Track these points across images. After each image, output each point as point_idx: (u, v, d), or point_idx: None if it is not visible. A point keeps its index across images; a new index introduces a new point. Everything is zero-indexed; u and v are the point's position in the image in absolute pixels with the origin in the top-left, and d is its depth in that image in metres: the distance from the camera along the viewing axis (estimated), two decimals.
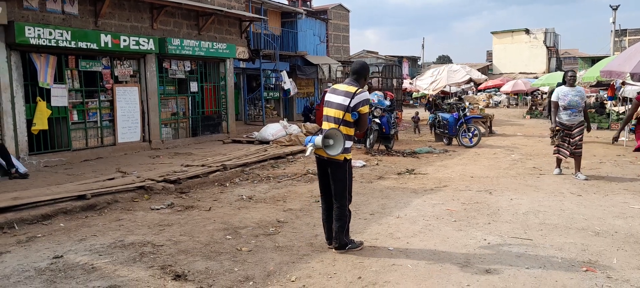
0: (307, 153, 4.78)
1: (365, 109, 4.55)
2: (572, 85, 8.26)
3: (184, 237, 5.24)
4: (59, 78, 10.34)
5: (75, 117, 10.87)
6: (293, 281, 4.02)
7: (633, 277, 3.99)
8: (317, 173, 4.86)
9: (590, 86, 22.15)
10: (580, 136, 8.21)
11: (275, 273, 4.17)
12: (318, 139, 4.48)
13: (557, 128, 8.32)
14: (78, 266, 4.39)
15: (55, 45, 9.80)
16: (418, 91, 26.21)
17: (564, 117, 8.23)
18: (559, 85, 12.61)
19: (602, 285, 3.84)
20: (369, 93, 13.43)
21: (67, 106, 10.49)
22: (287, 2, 26.73)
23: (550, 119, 8.79)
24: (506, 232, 5.26)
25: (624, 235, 5.09)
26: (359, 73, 4.68)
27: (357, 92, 4.50)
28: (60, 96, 10.26)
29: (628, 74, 9.40)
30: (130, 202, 7.03)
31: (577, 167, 8.36)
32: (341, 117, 4.52)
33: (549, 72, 40.41)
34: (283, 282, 4.01)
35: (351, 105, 4.48)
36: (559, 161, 8.71)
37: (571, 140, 8.21)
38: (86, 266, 4.39)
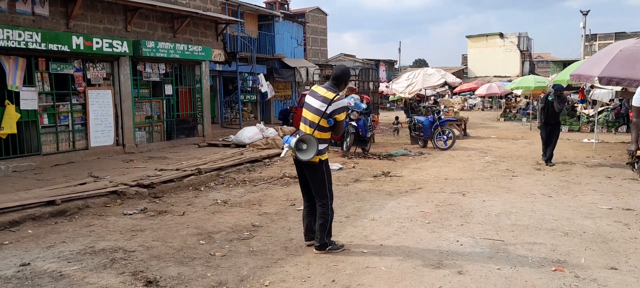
0: (283, 154, 4.83)
1: (341, 116, 4.60)
2: None
3: (156, 243, 5.16)
4: (28, 81, 10.09)
5: (46, 121, 10.62)
6: (266, 285, 3.99)
7: (600, 276, 4.09)
8: (296, 172, 4.91)
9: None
10: None
11: (248, 278, 4.14)
12: (293, 141, 4.55)
13: (638, 153, 5.55)
14: (46, 274, 4.28)
15: (24, 47, 9.57)
16: (394, 94, 26.40)
17: None
18: (556, 88, 10.91)
19: (570, 284, 3.92)
20: (347, 96, 13.50)
21: (37, 109, 10.24)
22: (264, 5, 26.65)
23: (631, 138, 5.78)
24: (478, 233, 5.33)
25: (592, 235, 5.21)
26: (339, 78, 4.72)
27: (335, 99, 4.53)
28: (29, 99, 10.01)
29: (596, 78, 9.61)
30: (102, 207, 6.90)
31: None
32: (317, 122, 4.57)
33: (522, 75, 41.27)
34: (257, 286, 3.99)
35: (328, 111, 4.53)
36: None
37: None
38: (54, 273, 4.28)
